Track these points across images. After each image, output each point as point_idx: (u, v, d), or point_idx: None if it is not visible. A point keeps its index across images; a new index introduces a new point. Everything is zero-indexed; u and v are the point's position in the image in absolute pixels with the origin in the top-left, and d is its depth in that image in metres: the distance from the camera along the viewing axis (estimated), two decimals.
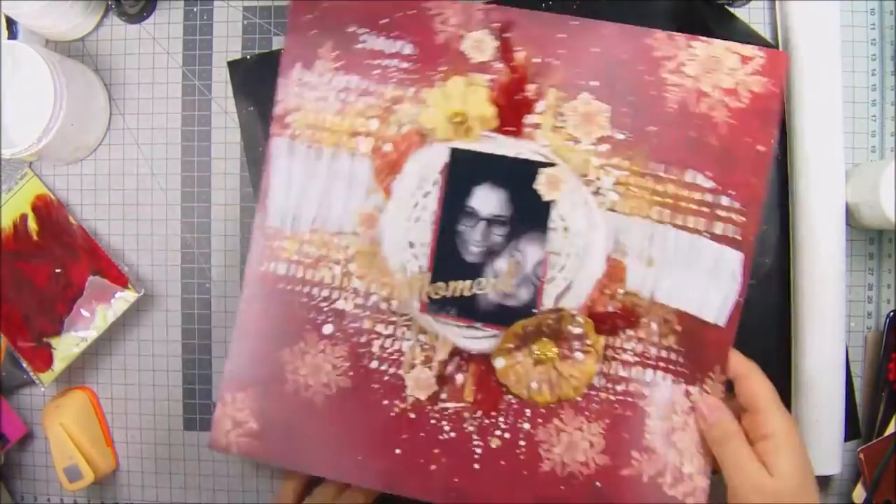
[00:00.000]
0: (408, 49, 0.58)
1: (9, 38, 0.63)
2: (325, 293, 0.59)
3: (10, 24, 0.63)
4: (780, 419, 0.50)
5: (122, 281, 0.61)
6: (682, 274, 0.56)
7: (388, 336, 0.58)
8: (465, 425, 0.57)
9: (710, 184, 0.55)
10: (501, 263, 0.57)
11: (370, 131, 0.58)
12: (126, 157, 0.64)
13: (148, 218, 0.64)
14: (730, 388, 0.55)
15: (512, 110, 0.57)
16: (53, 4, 0.58)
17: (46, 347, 0.61)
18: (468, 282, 0.57)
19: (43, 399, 0.64)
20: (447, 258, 0.57)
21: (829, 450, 0.59)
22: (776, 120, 0.55)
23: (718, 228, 0.55)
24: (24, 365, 0.62)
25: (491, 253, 0.57)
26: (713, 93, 0.55)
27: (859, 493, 0.58)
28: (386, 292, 0.58)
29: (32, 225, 0.62)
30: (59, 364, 0.61)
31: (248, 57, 0.63)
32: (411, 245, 0.58)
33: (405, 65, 0.58)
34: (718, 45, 0.55)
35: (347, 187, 0.59)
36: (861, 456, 0.58)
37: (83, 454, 0.61)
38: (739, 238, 0.55)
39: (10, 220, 0.62)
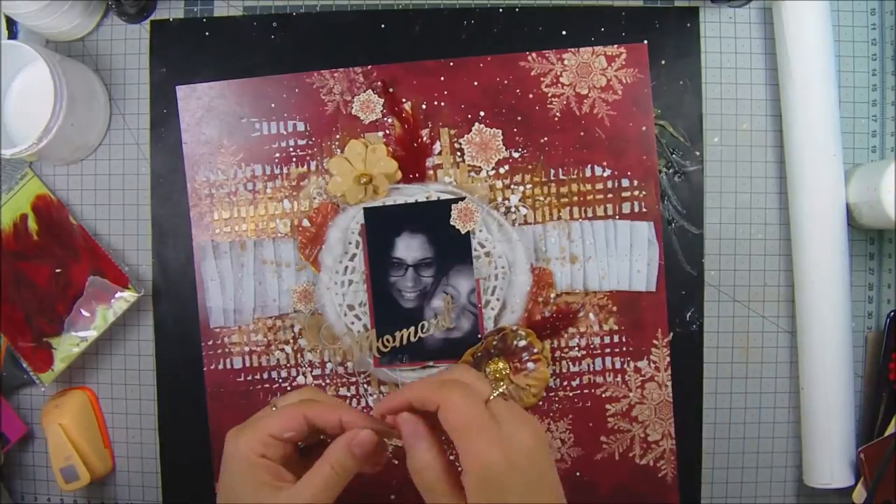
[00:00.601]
0: (300, 126, 0.62)
1: (9, 38, 0.63)
2: (283, 374, 0.63)
3: (10, 24, 0.63)
4: (469, 453, 0.41)
5: (122, 281, 0.61)
6: (606, 259, 0.61)
7: (352, 396, 0.63)
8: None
9: (607, 172, 0.61)
10: (437, 302, 0.61)
11: (285, 212, 0.62)
12: (126, 157, 0.64)
13: (147, 218, 0.64)
14: None
15: (412, 159, 0.61)
16: (53, 4, 0.58)
17: (46, 347, 0.61)
18: (412, 328, 0.61)
19: (43, 399, 0.64)
20: (386, 311, 0.61)
21: (841, 460, 0.59)
22: (650, 102, 0.61)
23: (626, 208, 0.61)
24: (24, 365, 0.62)
25: (425, 295, 0.61)
26: (591, 93, 0.61)
27: (859, 493, 0.58)
28: (339, 357, 0.62)
29: (32, 225, 0.62)
30: (59, 364, 0.61)
31: (172, 20, 0.64)
32: (351, 308, 0.62)
33: (301, 141, 0.62)
34: (585, 52, 0.61)
35: (277, 270, 0.62)
36: (861, 456, 0.58)
37: (80, 455, 0.61)
38: (646, 210, 0.61)
39: (11, 220, 0.62)
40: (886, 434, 0.58)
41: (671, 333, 0.62)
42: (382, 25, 0.62)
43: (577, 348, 0.62)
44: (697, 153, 0.62)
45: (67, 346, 0.61)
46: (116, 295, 0.61)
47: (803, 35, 0.59)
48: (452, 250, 0.61)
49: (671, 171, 0.62)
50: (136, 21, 0.64)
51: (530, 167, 0.62)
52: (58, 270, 0.62)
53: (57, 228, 0.62)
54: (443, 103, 0.62)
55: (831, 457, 0.59)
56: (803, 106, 0.59)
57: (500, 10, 0.62)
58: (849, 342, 0.59)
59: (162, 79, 0.63)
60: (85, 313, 0.61)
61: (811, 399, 0.60)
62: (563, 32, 0.62)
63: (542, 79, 0.62)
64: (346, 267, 0.62)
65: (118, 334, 0.64)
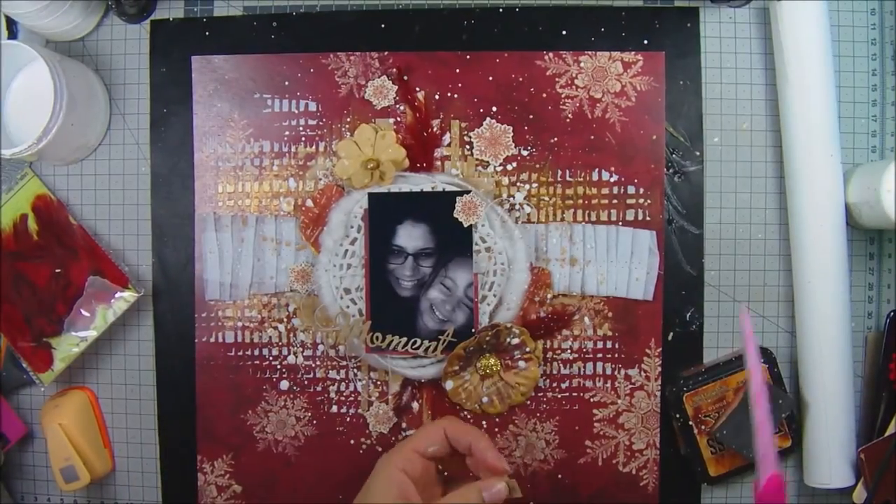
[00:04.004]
0: (312, 106, 0.62)
1: (9, 38, 0.63)
2: (274, 352, 0.63)
3: (10, 24, 0.63)
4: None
5: (122, 281, 0.61)
6: (606, 264, 0.61)
7: (341, 380, 0.63)
8: None
9: (614, 178, 0.61)
10: (434, 293, 0.61)
11: (290, 190, 0.62)
12: (126, 157, 0.64)
13: (148, 218, 0.64)
14: None
15: (420, 148, 0.61)
16: (53, 4, 0.58)
17: (46, 347, 0.61)
18: (404, 338, 0.61)
19: (43, 399, 0.64)
20: (382, 298, 0.61)
21: (841, 460, 0.59)
22: (663, 111, 0.61)
23: (630, 215, 0.61)
24: (24, 365, 0.61)
25: (422, 285, 0.61)
26: (604, 98, 0.61)
27: (860, 493, 0.58)
28: (331, 340, 0.62)
29: (32, 225, 0.62)
30: (59, 364, 0.61)
31: (172, 20, 0.64)
32: (347, 291, 0.62)
33: (312, 121, 0.62)
34: (602, 56, 0.61)
35: (277, 248, 0.62)
36: (861, 456, 0.58)
37: (80, 455, 0.61)
38: (650, 219, 0.61)
39: (11, 220, 0.62)
40: (886, 434, 0.58)
41: (671, 334, 0.62)
42: (382, 25, 0.62)
43: (569, 351, 0.62)
44: (697, 153, 0.62)
45: (67, 346, 0.61)
46: (116, 295, 0.61)
47: (800, 35, 0.59)
48: (453, 243, 0.61)
49: (671, 171, 0.62)
50: (136, 21, 0.64)
51: (538, 166, 0.62)
52: (58, 270, 0.62)
53: (57, 228, 0.62)
54: (456, 95, 0.62)
55: (831, 457, 0.59)
56: (800, 106, 0.59)
57: (501, 10, 0.62)
58: (848, 342, 0.59)
59: (162, 79, 0.63)
60: (85, 313, 0.61)
61: (811, 399, 0.60)
62: (564, 32, 0.62)
63: (556, 79, 0.62)
64: (346, 250, 0.62)
65: (118, 334, 0.64)
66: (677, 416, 0.60)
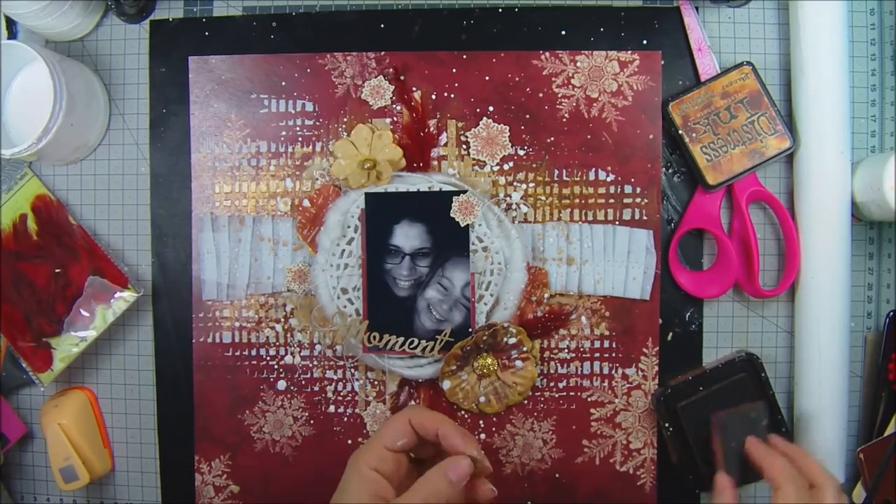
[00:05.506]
0: (309, 106, 0.62)
1: (9, 38, 0.63)
2: (272, 352, 0.63)
3: (10, 24, 0.64)
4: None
5: (122, 281, 0.61)
6: (603, 263, 0.61)
7: (338, 380, 0.63)
8: None
9: (611, 177, 0.61)
10: (431, 292, 0.61)
11: (286, 190, 0.62)
12: (126, 157, 0.64)
13: (147, 218, 0.64)
14: None
15: (417, 148, 0.61)
16: (53, 4, 0.58)
17: (46, 347, 0.61)
18: (401, 338, 0.61)
19: (43, 399, 0.64)
20: (380, 297, 0.61)
21: (829, 458, 0.59)
22: (659, 110, 0.61)
23: (627, 214, 0.62)
24: (24, 365, 0.62)
25: (419, 284, 0.61)
26: (601, 97, 0.61)
27: (859, 493, 0.58)
28: (329, 340, 0.62)
29: (32, 225, 0.62)
30: (58, 364, 0.61)
31: (171, 20, 0.64)
32: (344, 291, 0.62)
33: (309, 122, 0.62)
34: (599, 55, 0.61)
35: (274, 248, 0.62)
36: (861, 456, 0.57)
37: (80, 455, 0.61)
38: (647, 218, 0.62)
39: (10, 220, 0.63)
40: (886, 434, 0.58)
41: (670, 334, 0.62)
42: (382, 25, 0.62)
43: (566, 350, 0.62)
44: None
45: (67, 346, 0.61)
46: (116, 295, 0.61)
47: (819, 32, 0.58)
48: (450, 242, 0.61)
49: (671, 171, 0.62)
50: (136, 21, 0.64)
51: (534, 166, 0.62)
52: (57, 270, 0.62)
53: (57, 228, 0.62)
54: (452, 95, 0.62)
55: (822, 455, 0.58)
56: (815, 99, 0.59)
57: (500, 10, 0.62)
58: (846, 342, 0.59)
59: (162, 79, 0.63)
60: (84, 313, 0.61)
61: (803, 396, 0.60)
62: (563, 32, 0.62)
63: (553, 79, 0.62)
64: (343, 250, 0.62)
65: (118, 334, 0.64)
66: (666, 424, 0.60)
